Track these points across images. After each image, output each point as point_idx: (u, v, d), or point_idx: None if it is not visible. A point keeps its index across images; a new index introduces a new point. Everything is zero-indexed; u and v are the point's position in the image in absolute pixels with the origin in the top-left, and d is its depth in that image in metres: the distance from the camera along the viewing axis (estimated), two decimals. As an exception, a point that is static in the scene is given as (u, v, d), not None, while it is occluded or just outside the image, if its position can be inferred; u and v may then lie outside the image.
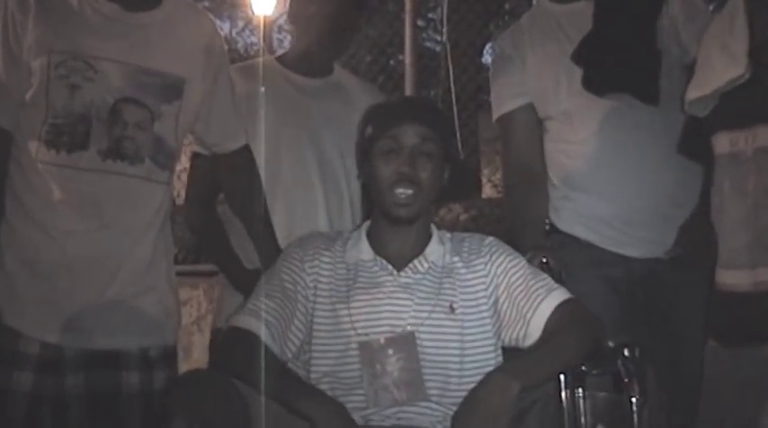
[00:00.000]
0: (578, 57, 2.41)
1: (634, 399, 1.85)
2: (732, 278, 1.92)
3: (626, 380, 1.85)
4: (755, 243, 1.87)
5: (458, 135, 6.61)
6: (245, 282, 2.29)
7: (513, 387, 1.76)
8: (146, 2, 2.09)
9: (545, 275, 2.03)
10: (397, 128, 1.99)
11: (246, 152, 2.35)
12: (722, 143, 1.94)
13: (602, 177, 2.39)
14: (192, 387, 1.72)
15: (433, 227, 2.07)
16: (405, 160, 1.96)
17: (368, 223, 2.07)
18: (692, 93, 2.02)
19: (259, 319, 1.91)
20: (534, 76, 2.51)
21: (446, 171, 2.04)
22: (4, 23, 1.98)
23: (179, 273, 2.26)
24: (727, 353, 1.96)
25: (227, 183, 2.39)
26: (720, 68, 1.94)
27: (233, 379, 1.76)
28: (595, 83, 2.38)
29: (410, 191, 1.96)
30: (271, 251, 2.25)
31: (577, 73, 2.40)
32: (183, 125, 2.13)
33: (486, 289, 1.99)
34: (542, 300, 1.95)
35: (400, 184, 1.96)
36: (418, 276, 1.99)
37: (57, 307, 1.98)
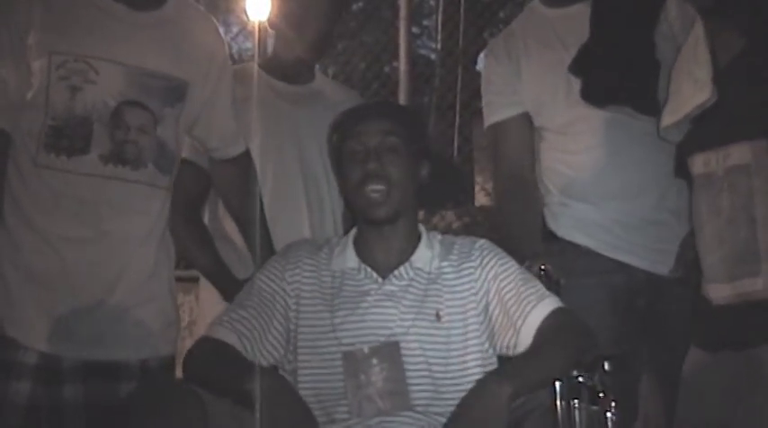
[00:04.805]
0: (576, 68, 2.38)
1: (609, 414, 1.82)
2: (713, 291, 1.96)
3: (600, 395, 1.83)
4: (732, 257, 1.91)
5: (455, 142, 6.63)
6: (234, 293, 2.27)
7: (505, 392, 1.74)
8: (149, 0, 2.05)
9: (537, 282, 2.00)
10: (359, 127, 1.98)
11: (246, 158, 2.32)
12: (697, 164, 1.99)
13: (602, 187, 2.37)
14: (151, 397, 1.70)
15: (422, 229, 2.05)
16: (371, 157, 1.95)
17: (354, 230, 2.05)
18: (665, 120, 2.07)
19: (231, 330, 1.90)
20: (530, 86, 2.47)
21: (423, 167, 2.02)
22: (6, 21, 1.93)
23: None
24: (709, 358, 2.00)
25: (227, 189, 2.35)
26: (688, 95, 2.00)
27: (194, 388, 1.73)
28: (595, 94, 2.35)
29: (380, 187, 1.94)
30: (267, 257, 2.23)
31: (575, 84, 2.37)
32: (182, 128, 2.10)
33: (475, 294, 1.96)
34: (533, 308, 1.92)
35: (368, 182, 1.94)
36: (403, 283, 1.96)
37: (55, 316, 1.93)
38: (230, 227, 2.46)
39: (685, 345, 2.24)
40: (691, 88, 2.00)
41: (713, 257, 1.95)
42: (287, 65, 2.57)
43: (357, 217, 2.03)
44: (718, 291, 1.94)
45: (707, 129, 1.98)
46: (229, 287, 2.33)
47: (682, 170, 2.17)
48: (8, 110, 1.94)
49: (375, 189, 1.94)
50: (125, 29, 2.00)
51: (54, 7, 1.95)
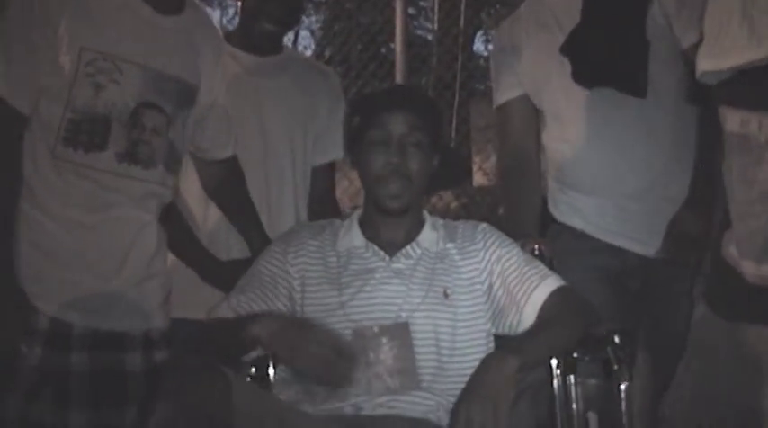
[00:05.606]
0: (567, 49, 2.39)
1: (623, 386, 1.86)
2: (746, 267, 1.80)
3: (616, 367, 1.86)
4: (760, 236, 1.77)
5: (453, 123, 6.64)
6: (217, 274, 2.30)
7: (512, 363, 1.77)
8: (173, 5, 2.10)
9: (538, 262, 2.04)
10: (386, 116, 1.97)
11: (233, 161, 2.38)
12: (732, 120, 1.80)
13: (593, 172, 2.39)
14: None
15: (425, 213, 2.07)
16: (394, 151, 1.96)
17: (359, 211, 2.07)
18: (705, 64, 1.82)
19: (232, 312, 1.92)
20: (528, 68, 2.50)
21: (435, 159, 2.04)
22: (31, 10, 1.94)
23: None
24: (726, 327, 1.85)
25: (213, 187, 2.42)
26: (740, 44, 1.74)
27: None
28: (583, 75, 2.37)
29: (401, 182, 1.96)
30: (263, 246, 2.26)
31: (568, 66, 2.38)
32: (188, 130, 2.17)
33: (480, 276, 2.00)
34: (536, 288, 1.96)
35: (390, 177, 1.96)
36: (411, 262, 1.99)
37: (70, 289, 2.00)
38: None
39: (677, 324, 2.26)
40: (744, 36, 1.74)
41: (742, 230, 1.79)
42: (251, 36, 2.53)
43: (368, 200, 2.04)
44: (745, 267, 1.78)
45: (751, 86, 1.76)
46: (212, 269, 2.35)
47: (697, 97, 2.10)
48: (31, 95, 1.96)
49: (396, 183, 1.96)
50: (150, 31, 2.05)
51: (87, 1, 1.99)
